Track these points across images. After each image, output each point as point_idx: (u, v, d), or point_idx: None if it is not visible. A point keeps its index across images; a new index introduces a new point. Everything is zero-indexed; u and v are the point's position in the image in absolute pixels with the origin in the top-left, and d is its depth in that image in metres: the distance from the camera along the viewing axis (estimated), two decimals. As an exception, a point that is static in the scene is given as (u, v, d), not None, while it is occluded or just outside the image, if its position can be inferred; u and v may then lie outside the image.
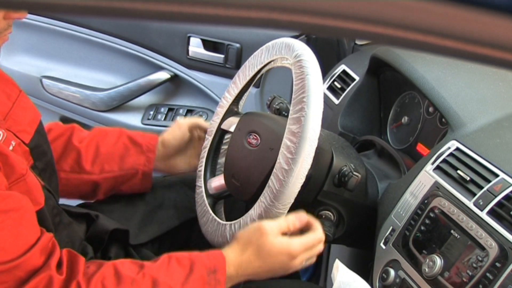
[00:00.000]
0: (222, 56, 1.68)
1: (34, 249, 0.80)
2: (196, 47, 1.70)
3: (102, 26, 1.75)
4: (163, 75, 1.75)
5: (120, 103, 1.78)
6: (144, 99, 1.78)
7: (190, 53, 1.71)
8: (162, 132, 1.24)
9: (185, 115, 1.76)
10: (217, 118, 1.18)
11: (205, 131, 1.22)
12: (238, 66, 1.63)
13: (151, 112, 1.77)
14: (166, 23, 1.69)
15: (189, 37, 1.70)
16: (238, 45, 1.65)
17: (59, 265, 0.81)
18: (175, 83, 1.79)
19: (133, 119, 1.78)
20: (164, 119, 1.76)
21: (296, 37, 1.40)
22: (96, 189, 1.21)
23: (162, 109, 1.78)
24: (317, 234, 0.97)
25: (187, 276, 0.86)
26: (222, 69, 1.69)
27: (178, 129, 1.22)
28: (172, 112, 1.78)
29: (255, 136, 1.05)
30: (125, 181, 1.21)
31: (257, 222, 0.96)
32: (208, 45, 1.69)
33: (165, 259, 0.89)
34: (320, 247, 0.98)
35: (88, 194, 1.22)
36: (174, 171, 1.27)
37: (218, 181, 1.14)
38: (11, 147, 0.89)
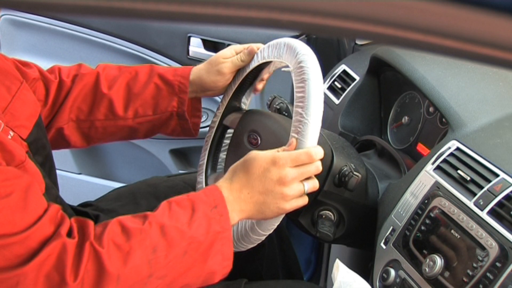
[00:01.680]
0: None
1: (43, 219, 0.79)
2: (196, 47, 1.70)
3: (102, 26, 1.75)
4: None
5: None
6: None
7: (190, 53, 1.71)
8: (198, 69, 1.18)
9: None
10: (219, 113, 1.18)
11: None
12: None
13: None
14: (166, 23, 1.69)
15: (189, 37, 1.69)
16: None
17: (69, 232, 0.81)
18: None
19: None
20: None
21: (296, 37, 1.40)
22: (134, 133, 1.20)
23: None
24: (306, 150, 0.91)
25: (191, 216, 0.86)
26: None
27: (221, 76, 1.15)
28: None
29: (256, 136, 1.05)
30: (162, 124, 1.19)
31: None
32: (208, 45, 1.69)
33: (165, 205, 0.88)
34: (315, 164, 0.91)
35: (127, 138, 1.23)
36: (208, 96, 1.24)
37: (218, 177, 1.14)
38: (9, 136, 0.89)
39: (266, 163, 0.90)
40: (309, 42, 1.63)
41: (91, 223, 0.84)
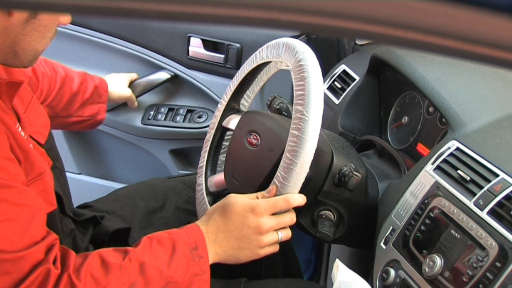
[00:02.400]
0: (223, 56, 1.66)
1: (40, 245, 0.81)
2: (196, 47, 1.69)
3: (102, 26, 1.74)
4: (163, 75, 1.72)
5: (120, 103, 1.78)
6: (144, 99, 1.76)
7: (190, 53, 1.70)
8: (111, 92, 1.45)
9: (185, 115, 1.75)
10: (218, 115, 1.18)
11: None
12: (238, 66, 1.62)
13: (151, 112, 1.75)
14: (166, 23, 1.69)
15: (189, 37, 1.68)
16: (238, 45, 1.64)
17: (55, 260, 0.83)
18: (175, 83, 1.77)
19: (133, 119, 1.75)
20: (164, 119, 1.75)
21: (296, 36, 1.40)
22: (59, 127, 1.36)
23: (162, 109, 1.75)
24: (284, 197, 0.94)
25: (171, 256, 0.88)
26: (222, 69, 1.68)
27: (129, 97, 1.54)
28: (172, 112, 1.76)
29: (256, 136, 1.05)
30: (78, 123, 1.36)
31: None
32: (208, 45, 1.69)
33: (146, 241, 0.90)
34: (291, 215, 0.96)
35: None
36: None
37: (218, 179, 1.14)
38: (31, 145, 0.90)
39: (244, 210, 0.93)
40: (309, 42, 1.63)
41: (73, 254, 0.85)
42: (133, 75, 1.63)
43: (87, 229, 1.11)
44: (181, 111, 1.76)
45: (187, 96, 1.78)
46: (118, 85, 1.51)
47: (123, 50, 1.76)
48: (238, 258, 0.94)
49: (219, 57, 1.67)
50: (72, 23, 1.75)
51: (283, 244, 1.36)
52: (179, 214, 1.25)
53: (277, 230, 0.95)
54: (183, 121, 1.74)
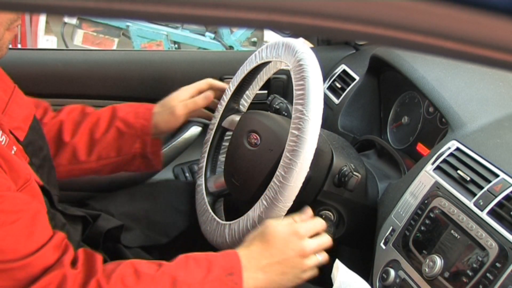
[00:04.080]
0: (265, 92, 1.47)
1: (47, 247, 0.80)
2: None
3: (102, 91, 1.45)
4: (195, 130, 1.47)
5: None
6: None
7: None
8: (155, 114, 1.18)
9: None
10: (217, 115, 1.18)
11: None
12: (285, 98, 1.30)
13: (187, 174, 1.53)
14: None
15: (221, 79, 1.42)
16: (284, 76, 1.50)
17: (73, 262, 0.81)
18: (201, 136, 1.46)
19: None
20: None
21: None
22: (98, 173, 1.21)
23: (195, 167, 1.52)
24: (318, 220, 0.97)
25: (205, 276, 0.86)
26: (264, 105, 1.30)
27: (174, 119, 1.18)
28: None
29: (256, 136, 1.05)
30: (126, 164, 1.21)
31: (256, 222, 0.96)
32: None
33: (182, 259, 0.89)
34: (327, 236, 0.97)
35: (90, 176, 1.23)
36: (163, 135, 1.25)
37: (218, 179, 1.14)
38: (13, 152, 0.89)
39: (287, 234, 0.92)
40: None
41: (99, 257, 0.84)
42: (203, 84, 1.23)
43: (76, 223, 1.10)
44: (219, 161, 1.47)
45: None
46: (162, 110, 1.19)
47: None
48: (281, 284, 0.92)
49: (261, 93, 1.40)
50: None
51: None
52: (178, 217, 1.24)
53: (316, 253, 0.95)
54: None
